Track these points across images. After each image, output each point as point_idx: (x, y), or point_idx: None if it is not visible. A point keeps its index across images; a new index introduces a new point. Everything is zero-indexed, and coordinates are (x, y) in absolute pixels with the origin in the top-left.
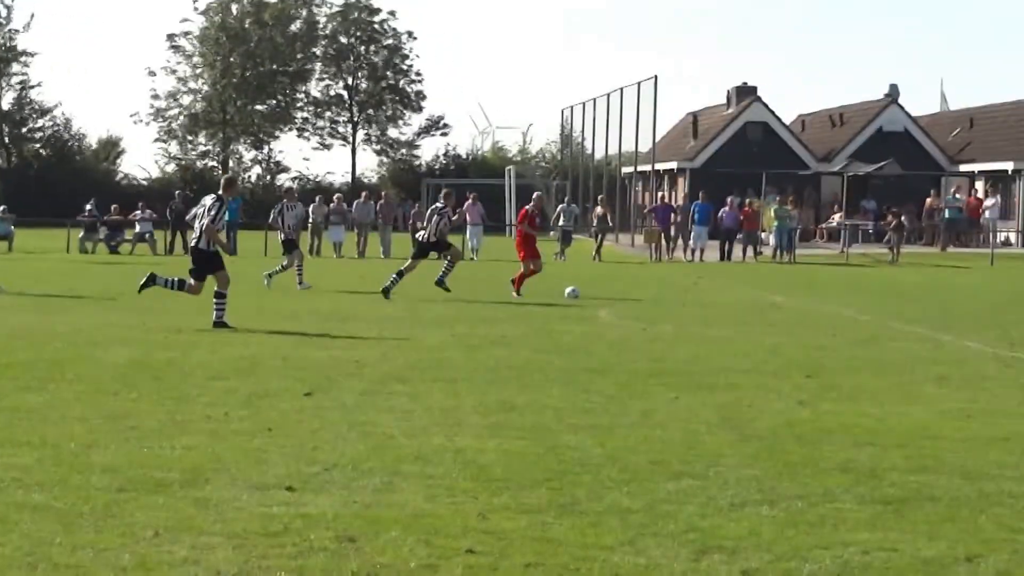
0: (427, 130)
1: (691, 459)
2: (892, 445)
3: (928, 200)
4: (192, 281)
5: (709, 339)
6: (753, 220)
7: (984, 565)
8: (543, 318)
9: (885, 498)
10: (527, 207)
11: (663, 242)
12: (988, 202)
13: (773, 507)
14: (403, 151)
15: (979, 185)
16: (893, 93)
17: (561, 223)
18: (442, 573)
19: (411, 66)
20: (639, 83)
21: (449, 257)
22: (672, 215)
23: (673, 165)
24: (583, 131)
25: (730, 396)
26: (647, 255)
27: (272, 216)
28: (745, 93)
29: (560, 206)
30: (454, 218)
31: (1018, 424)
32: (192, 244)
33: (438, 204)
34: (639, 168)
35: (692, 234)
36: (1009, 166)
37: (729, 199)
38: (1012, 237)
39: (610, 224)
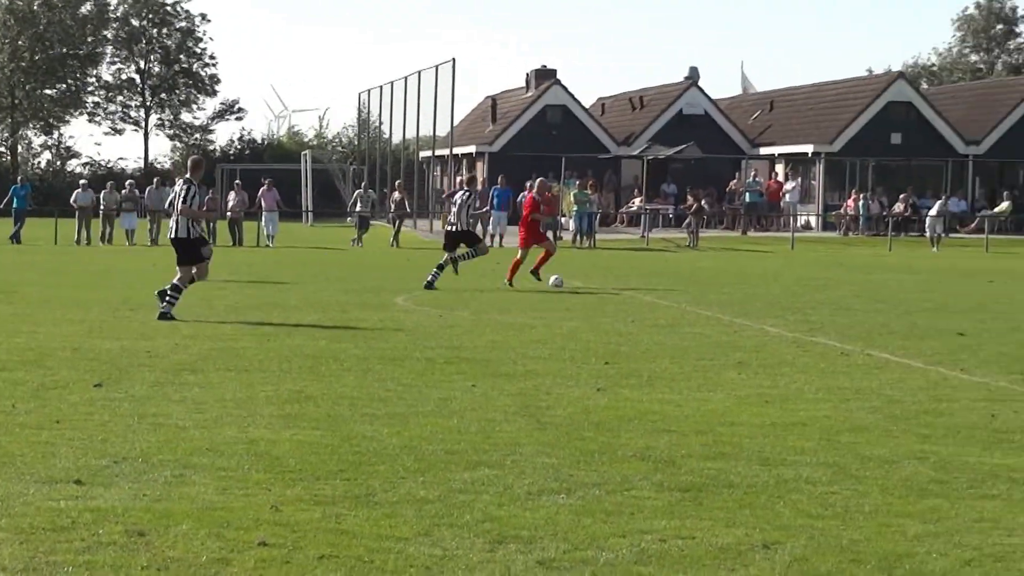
0: (221, 114)
1: (488, 448)
2: (690, 432)
3: (731, 184)
4: (181, 272)
5: (507, 326)
6: (552, 204)
7: (781, 552)
8: (339, 306)
9: (682, 485)
10: (532, 193)
11: None
12: (788, 185)
13: (570, 495)
14: (197, 136)
15: (779, 168)
16: (693, 76)
17: (358, 209)
18: (234, 566)
19: (205, 49)
20: (437, 66)
21: (474, 251)
22: None
23: (472, 149)
24: (380, 115)
25: (528, 383)
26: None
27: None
28: (544, 76)
29: (357, 191)
30: (476, 204)
31: (816, 409)
32: (171, 236)
33: (461, 191)
34: (437, 152)
35: (491, 219)
36: (809, 149)
37: (528, 183)
38: (812, 221)
39: (408, 209)
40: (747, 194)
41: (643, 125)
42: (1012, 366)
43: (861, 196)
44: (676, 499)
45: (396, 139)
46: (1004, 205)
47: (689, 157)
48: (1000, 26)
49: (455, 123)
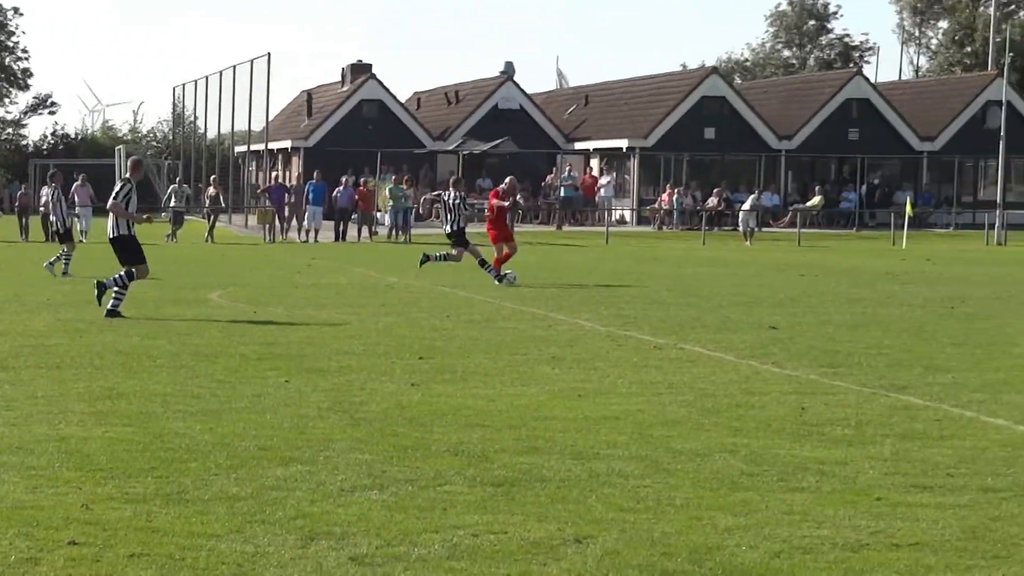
0: (34, 109)
1: (301, 444)
2: (503, 427)
3: (548, 178)
4: (125, 270)
5: (322, 321)
6: (368, 200)
7: (593, 545)
8: (154, 302)
9: (495, 480)
10: (501, 187)
11: (277, 222)
12: (603, 180)
13: (383, 491)
14: (9, 131)
15: (594, 163)
16: (509, 70)
17: (172, 204)
18: (43, 566)
19: (17, 43)
20: (252, 61)
21: (455, 253)
22: (286, 195)
23: (287, 144)
24: (195, 109)
25: (342, 379)
26: (261, 236)
27: (48, 201)
28: (360, 71)
29: (172, 186)
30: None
31: (629, 403)
32: (110, 235)
33: (451, 193)
34: (252, 147)
35: (307, 214)
36: (623, 144)
37: (344, 178)
38: (627, 215)
39: (223, 204)
40: (562, 188)
41: (459, 120)
42: (822, 359)
43: (675, 190)
44: (489, 494)
45: (211, 134)
46: (816, 199)
47: (505, 152)
48: (812, 22)
49: (270, 118)
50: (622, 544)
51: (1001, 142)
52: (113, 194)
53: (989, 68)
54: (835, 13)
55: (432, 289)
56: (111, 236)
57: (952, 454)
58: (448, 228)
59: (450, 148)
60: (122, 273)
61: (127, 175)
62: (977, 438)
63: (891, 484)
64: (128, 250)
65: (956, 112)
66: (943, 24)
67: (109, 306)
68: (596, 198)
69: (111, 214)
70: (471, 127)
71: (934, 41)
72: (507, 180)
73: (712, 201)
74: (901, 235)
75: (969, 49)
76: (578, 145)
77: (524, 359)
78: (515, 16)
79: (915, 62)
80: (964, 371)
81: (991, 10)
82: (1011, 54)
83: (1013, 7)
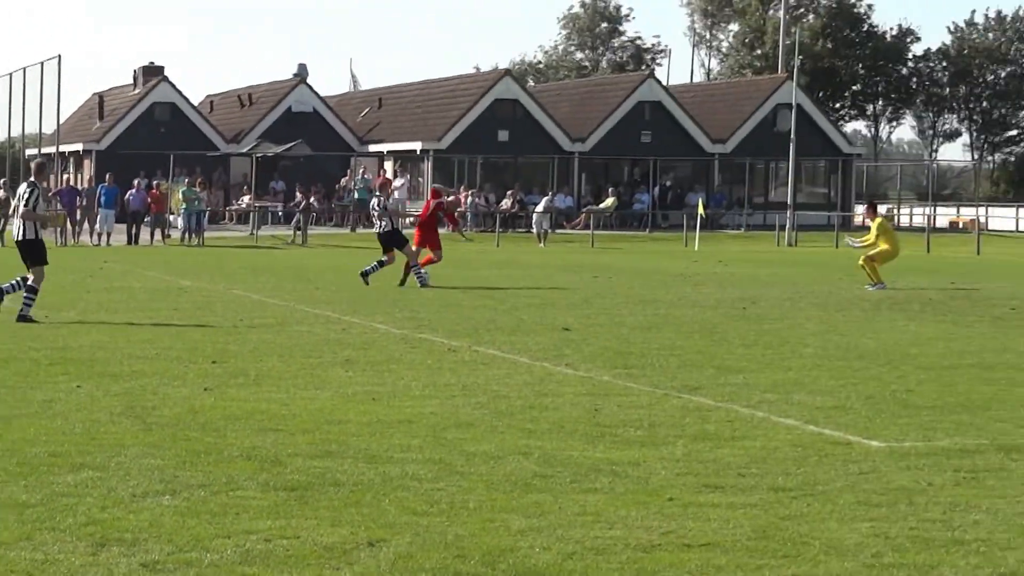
0: None
1: (92, 450)
2: (297, 430)
3: (343, 181)
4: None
5: (114, 326)
6: (161, 202)
7: (387, 549)
8: None
9: (288, 484)
10: (445, 200)
11: (68, 226)
12: (397, 182)
13: (175, 497)
14: None
15: (388, 165)
16: (302, 73)
17: None
18: None
19: None
20: (42, 63)
21: (385, 260)
22: (78, 198)
23: (79, 147)
24: None
25: (134, 384)
26: (52, 239)
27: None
28: (152, 73)
29: None
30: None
31: (423, 406)
32: (18, 238)
33: (381, 197)
34: (43, 150)
35: (99, 217)
36: (417, 146)
37: (136, 181)
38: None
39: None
40: (356, 191)
41: (252, 122)
42: (615, 360)
43: (470, 192)
44: (282, 499)
45: (1, 137)
46: (609, 201)
47: (298, 155)
48: (604, 24)
49: (61, 120)
50: (416, 547)
51: (791, 144)
52: (24, 200)
53: (779, 71)
54: (627, 16)
55: (226, 293)
56: (19, 239)
57: (743, 454)
58: (378, 230)
59: (244, 151)
60: (32, 283)
61: (32, 179)
62: (768, 438)
63: (683, 484)
64: (35, 253)
65: (747, 114)
66: (734, 27)
67: (21, 312)
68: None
69: (21, 219)
70: (265, 130)
71: (725, 44)
72: (451, 197)
73: (506, 203)
74: (693, 236)
75: (759, 52)
76: (372, 148)
77: (318, 362)
78: (308, 18)
79: (706, 65)
80: (755, 372)
81: (780, 13)
82: (800, 57)
83: (802, 11)
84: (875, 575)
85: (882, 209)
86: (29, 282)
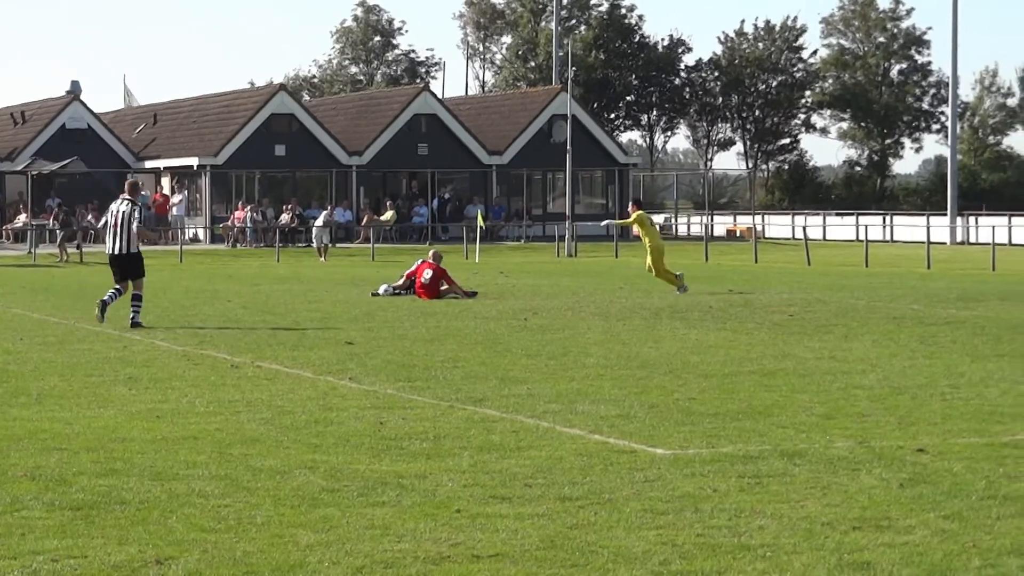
0: None
1: None
2: (82, 449)
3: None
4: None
5: None
6: None
7: (175, 567)
8: None
9: (74, 503)
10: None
11: None
12: (175, 199)
13: None
14: None
15: (165, 181)
16: (75, 90)
17: None
18: None
19: None
20: None
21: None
22: None
23: None
24: None
25: None
26: None
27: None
28: None
29: None
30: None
31: (207, 422)
32: (117, 252)
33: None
34: None
35: None
36: (195, 162)
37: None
38: (200, 233)
39: None
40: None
41: (26, 140)
42: (399, 373)
43: (248, 208)
44: (68, 518)
45: None
46: (388, 214)
47: (74, 171)
48: (378, 38)
49: None
50: (204, 564)
51: (568, 155)
52: (134, 219)
53: (554, 83)
54: (400, 29)
55: (5, 312)
56: (122, 253)
57: (529, 464)
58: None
59: (19, 168)
60: (137, 291)
61: (129, 196)
62: (553, 448)
63: (470, 496)
64: (137, 266)
65: (523, 126)
66: (507, 39)
67: (133, 320)
68: (169, 217)
69: (129, 236)
70: (39, 147)
71: (498, 56)
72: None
73: (284, 218)
74: (474, 248)
75: (533, 64)
76: (148, 164)
77: (100, 380)
78: (81, 33)
79: (480, 77)
80: (539, 382)
81: (553, 25)
82: (574, 69)
83: (573, 22)
84: None
85: (659, 219)
86: (135, 291)
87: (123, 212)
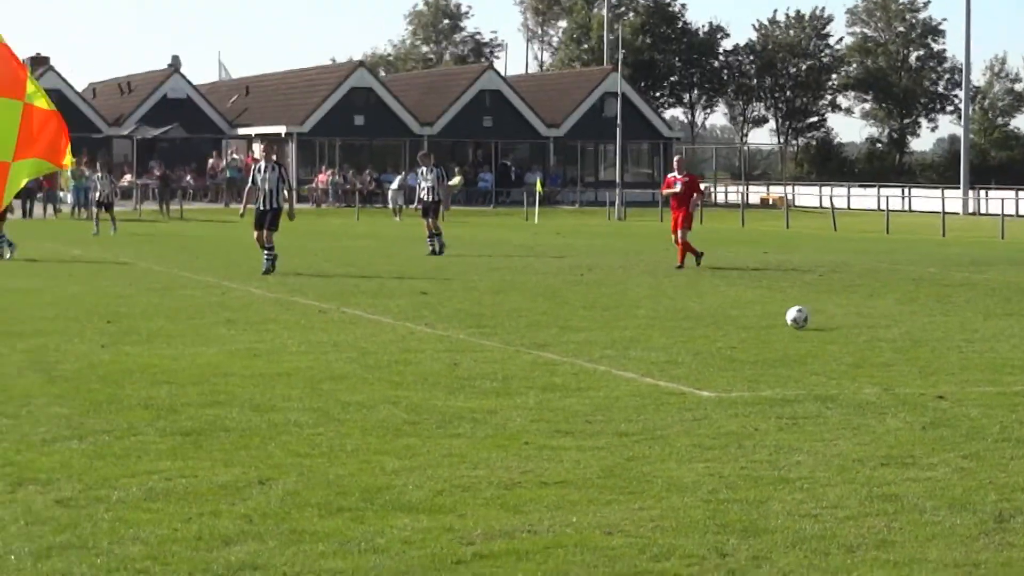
0: None
1: (3, 400)
2: (188, 382)
3: (211, 161)
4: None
5: (15, 290)
6: (52, 180)
7: (276, 487)
8: None
9: (183, 430)
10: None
11: None
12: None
13: (82, 441)
14: None
15: (256, 147)
16: (175, 63)
17: None
18: None
19: None
20: None
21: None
22: None
23: None
24: None
25: (37, 341)
26: None
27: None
28: (39, 63)
29: None
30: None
31: (299, 361)
32: (271, 207)
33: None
34: None
35: None
36: (282, 130)
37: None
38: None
39: None
40: (228, 170)
41: (132, 108)
42: (469, 320)
43: (330, 172)
44: (178, 443)
45: None
46: (456, 179)
47: (174, 137)
48: (446, 21)
49: None
50: (301, 485)
51: (618, 129)
52: (285, 180)
53: (605, 63)
54: (467, 13)
55: (115, 261)
56: (272, 207)
57: (589, 403)
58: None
59: (125, 133)
60: (271, 244)
61: (275, 159)
62: (610, 389)
63: (536, 430)
64: (278, 218)
65: (577, 102)
66: (563, 23)
67: (265, 268)
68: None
69: (281, 193)
70: (143, 114)
71: (555, 39)
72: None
73: (363, 181)
74: (533, 212)
75: (586, 46)
76: (241, 131)
77: (202, 322)
78: (180, 12)
79: (539, 57)
80: (595, 330)
81: (604, 12)
82: (623, 51)
83: (623, 9)
84: (712, 509)
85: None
86: (270, 243)
87: (280, 174)
